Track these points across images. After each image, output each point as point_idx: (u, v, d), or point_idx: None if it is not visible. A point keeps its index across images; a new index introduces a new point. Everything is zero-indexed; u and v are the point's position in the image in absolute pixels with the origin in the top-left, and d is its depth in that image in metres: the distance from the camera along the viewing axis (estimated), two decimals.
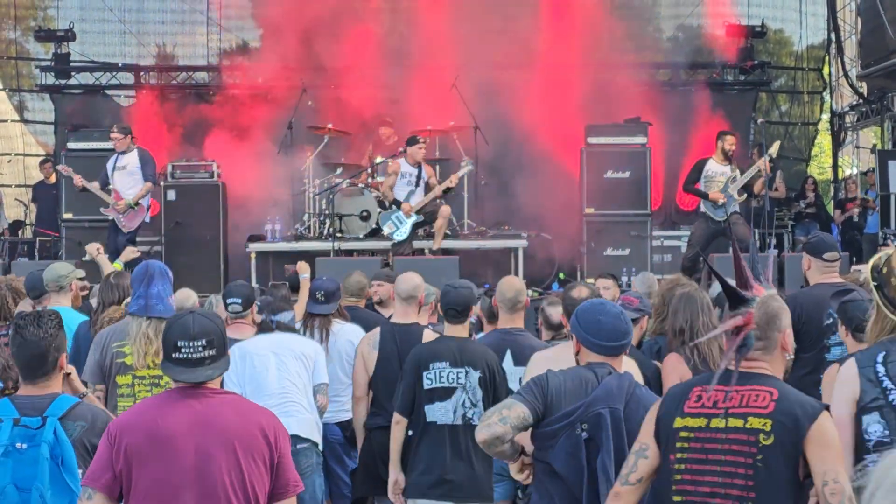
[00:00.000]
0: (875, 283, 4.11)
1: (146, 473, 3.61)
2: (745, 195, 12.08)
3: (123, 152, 12.03)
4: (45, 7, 18.73)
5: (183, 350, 3.68)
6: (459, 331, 5.95)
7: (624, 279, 11.79)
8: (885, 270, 4.09)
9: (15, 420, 4.02)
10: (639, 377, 5.14)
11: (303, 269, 8.58)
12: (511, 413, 3.86)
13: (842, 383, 4.12)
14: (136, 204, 11.93)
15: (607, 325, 3.94)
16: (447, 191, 12.44)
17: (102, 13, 18.09)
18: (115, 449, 3.64)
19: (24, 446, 3.98)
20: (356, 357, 6.80)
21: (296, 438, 6.21)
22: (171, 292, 5.56)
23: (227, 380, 6.03)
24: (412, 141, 12.45)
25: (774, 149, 12.26)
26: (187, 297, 7.97)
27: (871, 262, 4.18)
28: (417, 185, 12.39)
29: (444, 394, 5.77)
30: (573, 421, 3.85)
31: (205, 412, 3.68)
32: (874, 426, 3.93)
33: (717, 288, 8.49)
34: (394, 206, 12.34)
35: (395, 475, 5.93)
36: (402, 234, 12.29)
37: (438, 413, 5.76)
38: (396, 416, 5.95)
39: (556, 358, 5.05)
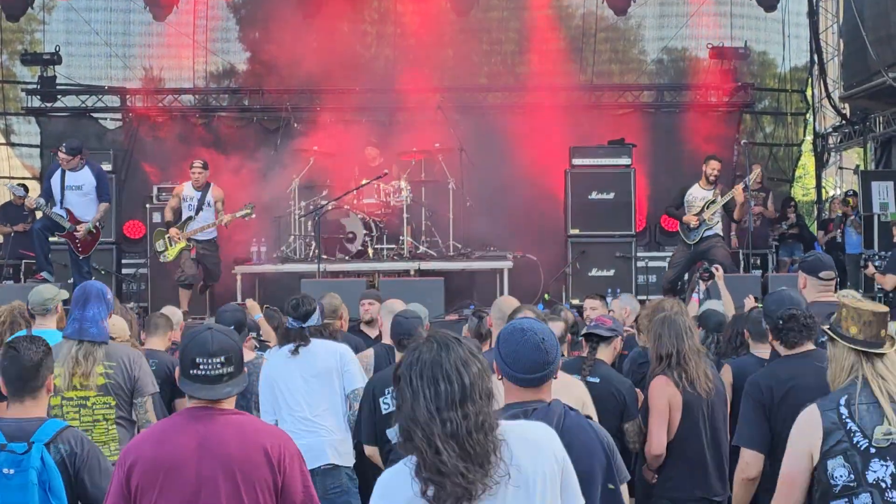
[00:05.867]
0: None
1: (151, 500, 3.58)
2: (718, 221, 12.11)
3: (74, 170, 11.44)
4: (32, 31, 18.70)
5: (201, 367, 3.64)
6: None
7: (609, 300, 11.81)
8: None
9: (1, 446, 4.02)
10: (583, 396, 5.09)
11: (253, 309, 8.36)
12: None
13: (800, 431, 3.98)
14: (96, 228, 11.56)
15: (524, 356, 3.54)
16: None
17: (89, 36, 18.10)
18: (125, 477, 3.61)
19: (12, 472, 3.98)
20: None
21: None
22: (106, 315, 5.52)
23: (263, 412, 6.08)
24: None
25: (754, 176, 12.34)
26: (172, 313, 8.04)
27: None
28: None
29: None
30: None
31: (208, 436, 3.62)
32: (839, 470, 3.82)
33: (700, 306, 8.60)
34: None
35: None
36: None
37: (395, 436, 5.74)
38: (367, 449, 5.95)
39: None
